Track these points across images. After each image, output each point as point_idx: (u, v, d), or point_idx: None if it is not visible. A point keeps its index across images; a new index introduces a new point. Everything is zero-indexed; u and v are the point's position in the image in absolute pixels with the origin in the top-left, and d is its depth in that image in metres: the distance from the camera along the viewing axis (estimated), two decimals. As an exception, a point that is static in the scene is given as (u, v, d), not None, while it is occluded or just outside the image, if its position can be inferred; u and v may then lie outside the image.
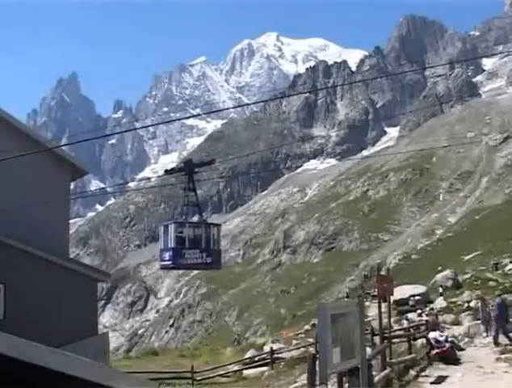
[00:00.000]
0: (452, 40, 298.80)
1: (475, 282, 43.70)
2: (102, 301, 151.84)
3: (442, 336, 20.64)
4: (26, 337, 5.11)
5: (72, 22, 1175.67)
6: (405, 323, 30.15)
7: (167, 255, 21.00)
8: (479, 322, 26.88)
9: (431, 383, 16.42)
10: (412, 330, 24.28)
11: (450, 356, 19.63)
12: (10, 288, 16.72)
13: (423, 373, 17.84)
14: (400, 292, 35.48)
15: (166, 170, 23.99)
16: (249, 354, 32.38)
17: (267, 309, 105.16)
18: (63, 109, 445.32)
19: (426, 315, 28.18)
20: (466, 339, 24.36)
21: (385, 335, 17.67)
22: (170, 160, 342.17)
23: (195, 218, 23.41)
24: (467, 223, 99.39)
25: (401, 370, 17.46)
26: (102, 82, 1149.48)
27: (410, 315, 32.00)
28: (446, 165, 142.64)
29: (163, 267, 22.91)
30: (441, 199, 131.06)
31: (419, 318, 28.80)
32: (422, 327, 24.91)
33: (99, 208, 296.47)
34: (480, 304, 27.19)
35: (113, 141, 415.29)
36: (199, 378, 27.68)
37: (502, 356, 19.34)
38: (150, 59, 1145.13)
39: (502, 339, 22.67)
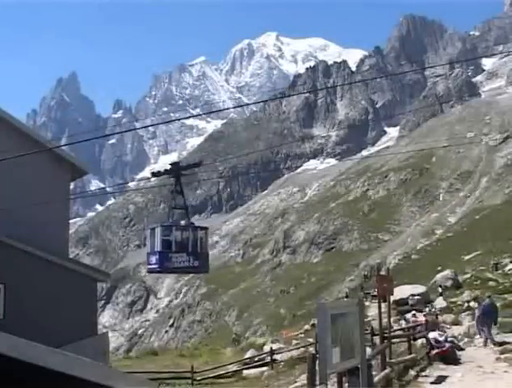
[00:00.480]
0: (452, 40, 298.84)
1: (475, 282, 43.75)
2: (102, 301, 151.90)
3: (441, 336, 20.65)
4: (26, 337, 5.11)
5: (72, 22, 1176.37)
6: (403, 323, 30.18)
7: (154, 259, 20.88)
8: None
9: (431, 383, 16.43)
10: (406, 331, 24.28)
11: (450, 356, 19.62)
12: (10, 288, 16.72)
13: (423, 373, 17.84)
14: (400, 292, 35.50)
15: (153, 173, 23.90)
16: (248, 354, 32.38)
17: (267, 309, 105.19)
18: (63, 109, 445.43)
19: (424, 316, 28.17)
20: (466, 339, 24.36)
21: (385, 334, 17.68)
22: (170, 160, 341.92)
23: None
24: (467, 223, 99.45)
25: (401, 370, 17.47)
26: (101, 82, 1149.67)
27: (408, 316, 32.04)
28: (446, 165, 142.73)
29: (150, 271, 22.82)
30: (441, 199, 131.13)
31: (413, 319, 28.80)
32: (418, 328, 24.90)
33: (99, 208, 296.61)
34: (476, 304, 27.24)
35: (113, 141, 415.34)
36: (198, 378, 27.68)
37: (502, 356, 19.35)
38: (150, 59, 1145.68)
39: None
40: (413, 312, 31.50)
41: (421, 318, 28.05)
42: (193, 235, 21.11)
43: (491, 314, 23.34)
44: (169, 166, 21.64)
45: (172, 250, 20.49)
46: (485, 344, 22.48)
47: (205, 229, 22.57)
